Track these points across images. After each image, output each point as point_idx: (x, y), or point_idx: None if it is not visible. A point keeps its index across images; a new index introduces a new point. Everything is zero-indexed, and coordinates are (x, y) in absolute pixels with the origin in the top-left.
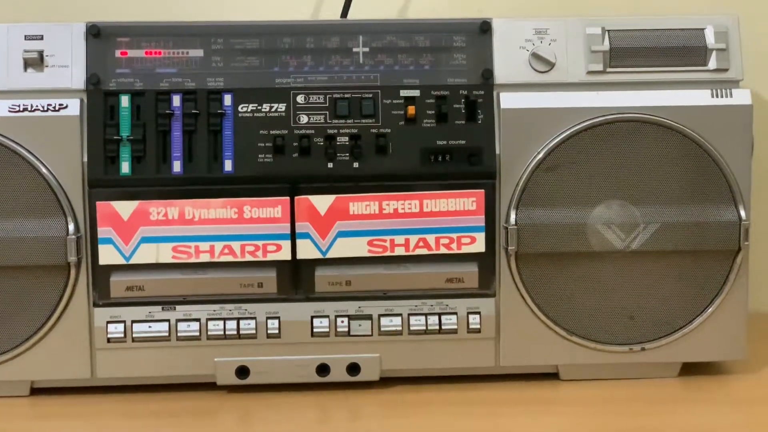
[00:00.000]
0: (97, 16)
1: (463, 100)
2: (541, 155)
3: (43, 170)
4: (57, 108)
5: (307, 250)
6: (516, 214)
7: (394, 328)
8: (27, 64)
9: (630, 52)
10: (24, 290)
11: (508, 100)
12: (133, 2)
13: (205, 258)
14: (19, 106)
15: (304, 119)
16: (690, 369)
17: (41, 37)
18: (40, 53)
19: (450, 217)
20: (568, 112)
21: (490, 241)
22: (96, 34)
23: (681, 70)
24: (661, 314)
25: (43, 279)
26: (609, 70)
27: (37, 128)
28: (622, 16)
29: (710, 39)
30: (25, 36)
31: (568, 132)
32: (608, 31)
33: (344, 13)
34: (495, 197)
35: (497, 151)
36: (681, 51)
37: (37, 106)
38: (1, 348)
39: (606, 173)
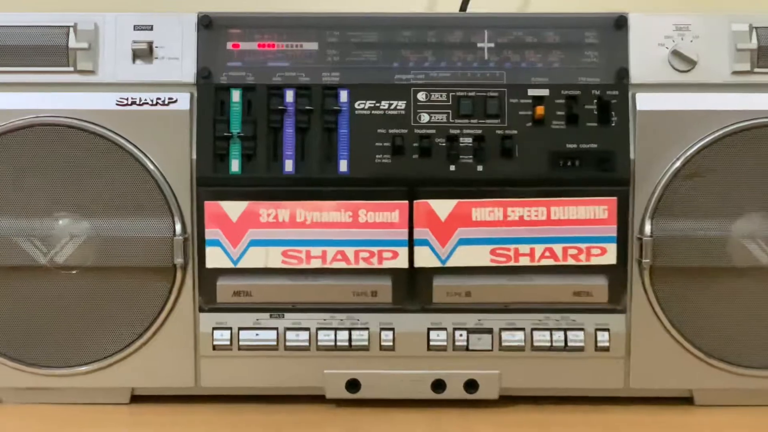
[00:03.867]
0: (208, 5)
1: (595, 101)
2: (680, 161)
3: (150, 167)
4: (166, 102)
5: (425, 258)
6: (651, 225)
7: (515, 344)
8: (136, 55)
9: None
10: (127, 293)
11: (644, 102)
12: None
13: (316, 264)
14: (126, 99)
15: (425, 118)
16: None
17: (151, 28)
18: (150, 44)
19: (579, 226)
20: (710, 115)
21: (622, 252)
22: (207, 24)
23: None
24: None
25: (148, 281)
26: (756, 70)
27: (145, 123)
28: None
29: None
30: (135, 26)
31: (710, 137)
32: (756, 28)
33: (463, 6)
34: (628, 206)
35: (632, 156)
36: None
37: (145, 99)
38: (101, 353)
39: (751, 182)
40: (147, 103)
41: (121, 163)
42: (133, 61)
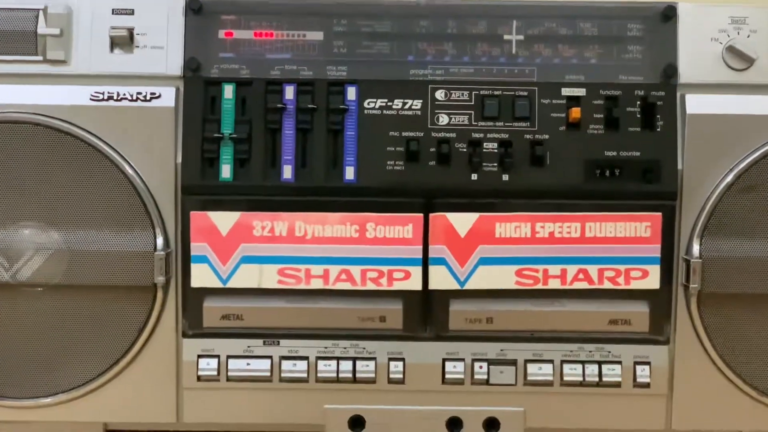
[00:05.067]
0: None
1: (638, 103)
2: (735, 172)
3: (129, 171)
4: (148, 97)
5: (441, 279)
6: (701, 245)
7: (542, 378)
8: (114, 43)
9: None
10: (101, 315)
11: (695, 104)
12: None
13: (317, 284)
14: (102, 93)
15: (443, 120)
16: None
17: (132, 12)
18: (130, 31)
19: (618, 245)
20: None
21: (666, 276)
22: (197, 9)
23: None
24: None
25: (124, 302)
26: None
27: (123, 121)
28: None
29: None
30: (113, 10)
31: None
32: None
33: None
34: (674, 223)
35: (679, 167)
36: None
37: (124, 94)
38: (70, 383)
39: None
40: (126, 99)
41: (95, 167)
42: (111, 50)
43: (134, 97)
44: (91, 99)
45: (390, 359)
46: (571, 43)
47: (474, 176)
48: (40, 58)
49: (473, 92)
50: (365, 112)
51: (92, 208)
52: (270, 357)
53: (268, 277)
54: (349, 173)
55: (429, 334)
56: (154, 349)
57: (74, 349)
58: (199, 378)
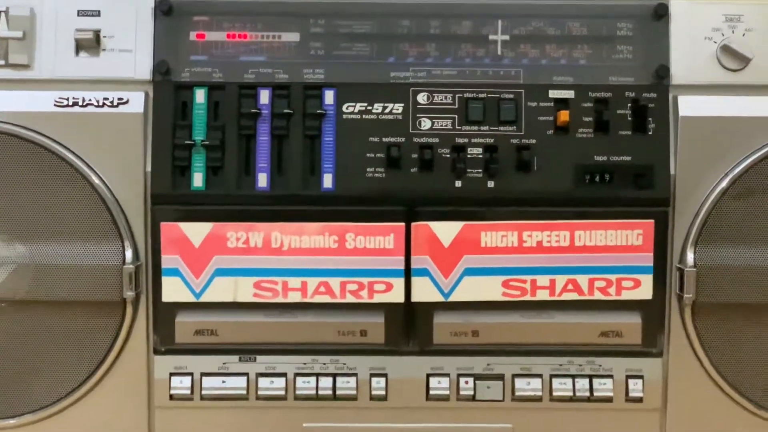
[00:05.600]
0: None
1: (629, 105)
2: (730, 177)
3: (96, 181)
4: (115, 103)
5: (424, 291)
6: (695, 253)
7: (531, 393)
8: (79, 46)
9: None
10: (67, 332)
11: (688, 106)
12: None
13: (294, 297)
14: (68, 99)
15: (426, 124)
16: None
17: (98, 13)
18: (97, 33)
19: (609, 253)
20: (766, 123)
21: (660, 285)
22: (167, 10)
23: None
24: None
25: (92, 318)
26: None
27: (89, 128)
28: None
29: None
30: (78, 11)
31: (767, 148)
32: None
33: None
34: (668, 230)
35: (672, 171)
36: None
37: (90, 99)
38: (35, 404)
39: None
40: (92, 104)
41: (60, 177)
42: (77, 53)
43: (101, 103)
44: (55, 105)
45: (372, 375)
46: (558, 43)
47: (458, 183)
48: (1, 62)
49: (457, 95)
50: (344, 116)
51: (57, 220)
52: (246, 374)
53: (243, 290)
54: (327, 181)
55: (412, 348)
56: (124, 367)
57: (40, 368)
58: (171, 397)
